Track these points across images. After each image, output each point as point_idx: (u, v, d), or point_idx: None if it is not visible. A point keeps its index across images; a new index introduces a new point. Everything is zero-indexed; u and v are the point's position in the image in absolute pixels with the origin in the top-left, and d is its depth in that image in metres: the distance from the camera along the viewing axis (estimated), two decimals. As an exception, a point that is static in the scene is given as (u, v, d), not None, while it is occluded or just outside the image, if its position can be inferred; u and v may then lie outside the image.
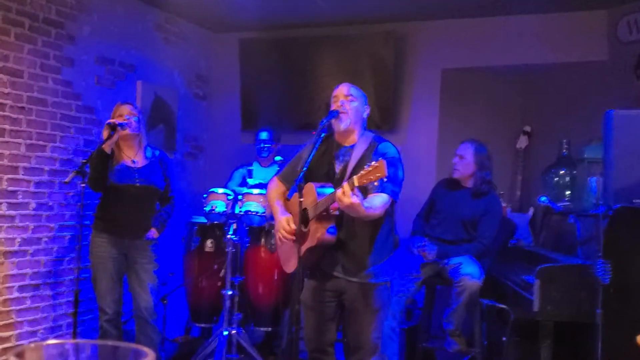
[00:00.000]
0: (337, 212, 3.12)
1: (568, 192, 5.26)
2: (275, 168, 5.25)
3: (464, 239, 4.47)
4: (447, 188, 4.65)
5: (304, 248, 3.16)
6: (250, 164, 5.38)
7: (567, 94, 5.51)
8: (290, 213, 3.31)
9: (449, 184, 4.67)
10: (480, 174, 4.51)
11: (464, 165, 4.54)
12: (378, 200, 3.04)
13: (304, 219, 3.19)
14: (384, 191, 3.07)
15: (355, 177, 2.79)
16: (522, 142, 5.70)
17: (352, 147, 3.28)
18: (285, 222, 3.25)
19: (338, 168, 3.27)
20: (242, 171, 5.35)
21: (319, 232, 3.13)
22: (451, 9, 5.36)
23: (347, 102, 3.26)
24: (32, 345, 0.85)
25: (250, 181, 5.23)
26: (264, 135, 5.29)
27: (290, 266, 3.40)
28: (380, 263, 3.28)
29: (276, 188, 3.46)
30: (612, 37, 5.06)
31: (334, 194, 2.93)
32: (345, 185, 2.82)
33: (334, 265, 3.25)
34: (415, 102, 5.73)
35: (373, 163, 2.77)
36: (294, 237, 3.19)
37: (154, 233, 4.12)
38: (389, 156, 3.17)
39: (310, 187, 3.18)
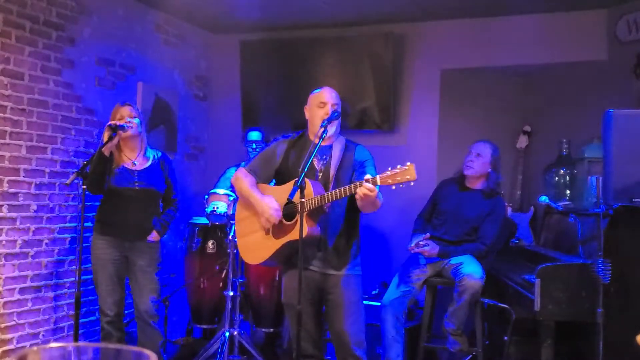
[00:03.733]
0: (328, 210, 3.26)
1: (568, 192, 5.26)
2: None
3: (467, 240, 4.47)
4: (451, 189, 4.64)
5: (283, 240, 3.26)
6: (238, 164, 5.34)
7: (566, 93, 5.51)
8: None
9: (453, 184, 4.65)
10: (494, 175, 4.52)
11: (481, 165, 4.52)
12: (380, 195, 3.15)
13: (288, 212, 3.29)
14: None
15: (378, 177, 2.95)
16: (522, 142, 5.70)
17: (330, 147, 3.43)
18: (269, 206, 3.30)
19: (318, 166, 3.39)
20: (232, 172, 5.28)
21: (309, 226, 3.19)
22: (450, 10, 5.36)
23: (334, 110, 3.43)
24: (35, 348, 0.85)
25: None
26: (255, 135, 5.25)
27: (256, 258, 3.45)
28: (357, 255, 3.44)
29: (248, 178, 3.48)
30: (611, 37, 5.06)
31: (353, 187, 3.04)
32: (369, 185, 2.95)
33: (313, 260, 3.36)
34: (415, 102, 5.74)
35: (400, 166, 2.93)
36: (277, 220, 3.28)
37: (154, 236, 4.11)
38: (370, 157, 3.45)
39: (305, 183, 3.22)
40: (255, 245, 3.43)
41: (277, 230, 3.31)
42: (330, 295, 3.37)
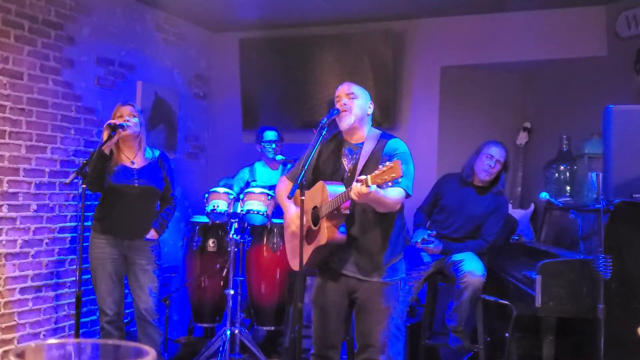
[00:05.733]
0: (347, 212, 3.12)
1: (568, 188, 5.26)
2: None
3: (470, 237, 4.46)
4: (456, 184, 4.60)
5: (313, 246, 3.17)
6: (252, 165, 5.35)
7: (566, 89, 5.51)
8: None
9: (458, 180, 4.62)
10: (504, 176, 4.51)
11: (498, 170, 4.50)
12: (394, 192, 3.02)
13: (314, 217, 3.20)
14: (399, 185, 3.05)
15: (369, 177, 2.79)
16: (522, 139, 5.70)
17: (361, 144, 3.28)
18: (295, 217, 3.26)
19: (347, 166, 3.28)
20: (246, 173, 5.28)
21: (329, 231, 3.11)
22: (450, 6, 5.36)
23: (350, 100, 3.27)
24: (33, 344, 0.85)
25: (253, 184, 5.16)
26: (271, 135, 5.21)
27: (296, 264, 3.41)
28: (394, 261, 3.26)
29: (285, 187, 3.44)
30: (611, 33, 5.06)
31: (346, 193, 2.94)
32: (361, 186, 2.81)
33: (346, 264, 3.23)
34: (415, 99, 5.73)
35: (387, 163, 2.77)
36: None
37: (153, 234, 4.11)
38: (400, 151, 3.20)
39: (321, 186, 3.18)
40: (295, 252, 3.36)
41: (308, 236, 3.23)
42: (359, 300, 3.27)
